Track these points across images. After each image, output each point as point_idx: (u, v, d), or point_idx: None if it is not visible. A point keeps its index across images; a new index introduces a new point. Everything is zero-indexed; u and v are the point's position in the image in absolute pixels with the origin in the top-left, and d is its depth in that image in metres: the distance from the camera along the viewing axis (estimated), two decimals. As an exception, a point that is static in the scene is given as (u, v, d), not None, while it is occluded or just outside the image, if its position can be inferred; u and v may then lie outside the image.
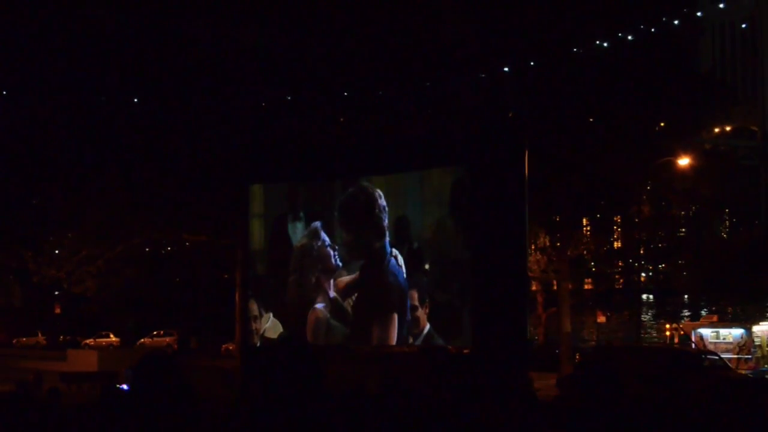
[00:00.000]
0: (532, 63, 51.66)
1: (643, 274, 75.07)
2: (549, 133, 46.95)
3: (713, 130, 75.71)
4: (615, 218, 63.34)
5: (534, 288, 57.62)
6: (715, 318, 59.92)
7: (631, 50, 52.34)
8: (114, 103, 57.92)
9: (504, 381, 24.38)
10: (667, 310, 74.19)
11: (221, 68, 56.47)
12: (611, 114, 49.79)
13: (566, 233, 54.56)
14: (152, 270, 71.91)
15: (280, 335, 35.37)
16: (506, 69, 51.95)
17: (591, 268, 68.64)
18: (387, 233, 33.01)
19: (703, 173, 56.89)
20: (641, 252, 69.51)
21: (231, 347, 61.58)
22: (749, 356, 52.40)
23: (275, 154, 42.45)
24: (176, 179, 55.47)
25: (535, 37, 51.17)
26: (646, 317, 74.98)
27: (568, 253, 54.81)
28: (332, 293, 34.16)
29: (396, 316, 32.71)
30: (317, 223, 34.70)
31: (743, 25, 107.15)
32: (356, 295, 33.78)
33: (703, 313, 68.71)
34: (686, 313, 74.39)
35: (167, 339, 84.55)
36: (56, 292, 77.62)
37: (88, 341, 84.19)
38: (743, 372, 45.41)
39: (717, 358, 41.33)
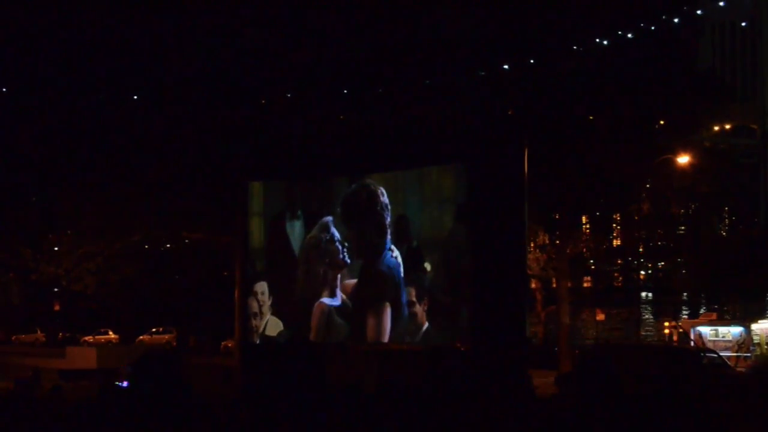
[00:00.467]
0: (532, 61, 51.69)
1: (643, 272, 75.19)
2: (549, 130, 46.94)
3: (713, 128, 75.70)
4: (614, 216, 63.34)
5: (533, 286, 57.59)
6: (714, 316, 59.92)
7: (631, 48, 52.38)
8: (114, 100, 57.94)
9: (503, 379, 24.37)
10: (666, 308, 74.15)
11: (221, 66, 56.49)
12: (611, 112, 49.79)
13: (566, 231, 54.56)
14: (151, 267, 71.85)
15: (281, 334, 35.39)
16: (506, 67, 51.98)
17: (590, 266, 68.69)
18: (389, 231, 33.00)
19: (702, 171, 56.91)
20: (640, 250, 69.61)
21: (230, 345, 61.60)
22: (748, 354, 52.40)
23: (275, 151, 42.47)
24: (176, 177, 55.50)
25: (535, 36, 51.20)
26: (645, 315, 74.99)
27: (568, 251, 54.81)
28: (340, 295, 34.16)
29: (389, 307, 32.70)
30: (328, 218, 34.66)
31: (743, 24, 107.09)
32: (355, 291, 33.82)
33: (702, 310, 68.73)
34: (685, 311, 74.39)
35: (166, 336, 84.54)
36: (55, 290, 77.63)
37: (86, 338, 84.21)
38: (742, 370, 45.42)
39: (716, 356, 41.32)
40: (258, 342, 36.23)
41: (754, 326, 54.38)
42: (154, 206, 56.36)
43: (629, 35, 55.20)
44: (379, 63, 54.53)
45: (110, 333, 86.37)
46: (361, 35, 54.94)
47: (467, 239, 31.24)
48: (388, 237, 33.11)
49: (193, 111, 55.81)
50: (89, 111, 59.09)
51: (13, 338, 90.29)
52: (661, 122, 54.21)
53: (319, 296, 34.74)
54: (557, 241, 55.43)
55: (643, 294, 76.03)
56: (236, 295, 38.33)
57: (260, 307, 36.53)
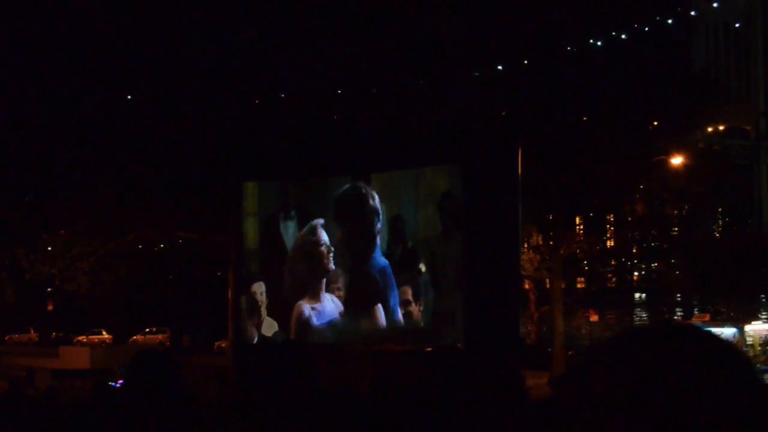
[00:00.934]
0: (525, 62, 51.71)
1: (636, 273, 75.10)
2: (542, 131, 46.95)
3: (707, 130, 75.71)
4: (608, 217, 63.33)
5: (527, 286, 57.61)
6: (707, 317, 59.93)
7: (624, 49, 52.40)
8: (107, 99, 57.86)
9: (496, 379, 24.39)
10: (660, 309, 74.15)
11: (214, 65, 56.42)
12: (605, 113, 49.80)
13: (559, 232, 54.58)
14: (145, 267, 71.79)
15: (276, 334, 35.41)
16: (500, 67, 51.99)
17: (584, 267, 68.69)
18: (377, 236, 33.02)
19: (696, 172, 56.84)
20: (634, 251, 69.56)
21: (223, 345, 61.58)
22: (741, 355, 52.44)
23: (269, 151, 42.46)
24: (170, 176, 55.39)
25: (528, 36, 51.22)
26: (638, 316, 75.00)
27: (561, 252, 54.85)
28: (326, 297, 34.15)
29: (379, 310, 32.75)
30: (318, 221, 34.64)
31: (737, 25, 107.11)
32: (344, 294, 33.86)
33: (696, 311, 68.72)
34: (679, 311, 74.37)
35: (159, 336, 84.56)
36: (49, 289, 77.60)
37: (80, 338, 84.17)
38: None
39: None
40: (255, 342, 36.26)
41: (747, 327, 54.46)
42: (149, 206, 56.20)
43: (623, 36, 55.23)
44: (374, 63, 54.51)
45: (104, 333, 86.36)
46: (355, 35, 54.91)
47: (461, 240, 31.29)
48: (377, 242, 33.15)
49: (187, 110, 55.71)
50: (82, 110, 59.00)
51: (7, 338, 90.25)
52: (655, 123, 54.22)
53: (301, 299, 34.80)
54: (551, 242, 55.44)
55: (637, 295, 75.91)
56: (230, 295, 38.34)
57: (259, 307, 36.56)
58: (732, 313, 61.89)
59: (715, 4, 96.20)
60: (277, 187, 37.08)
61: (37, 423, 10.99)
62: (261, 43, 56.66)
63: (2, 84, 57.77)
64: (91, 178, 57.92)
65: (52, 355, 62.75)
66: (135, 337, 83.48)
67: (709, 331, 2.41)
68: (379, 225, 33.09)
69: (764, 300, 70.89)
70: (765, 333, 55.92)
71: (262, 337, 35.87)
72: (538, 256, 56.33)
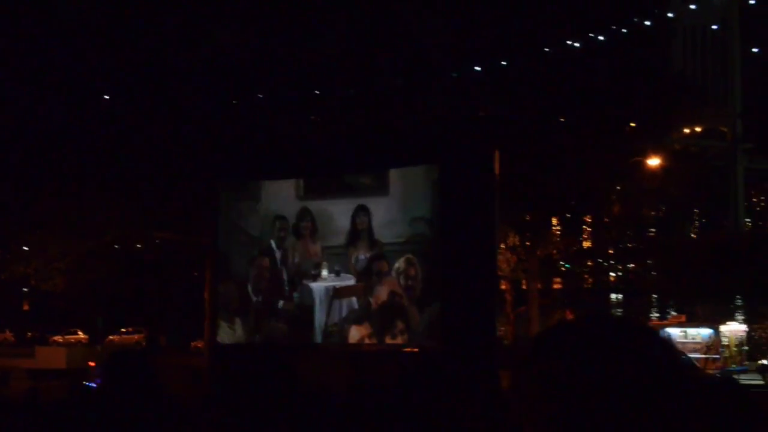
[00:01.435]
0: (503, 63, 51.80)
1: (613, 274, 75.36)
2: (520, 132, 47.03)
3: (684, 131, 76.03)
4: (585, 218, 63.51)
5: (503, 287, 57.71)
6: (683, 318, 60.19)
7: (602, 50, 52.56)
8: (84, 99, 57.67)
9: (472, 380, 24.40)
10: (636, 310, 74.36)
11: (192, 65, 56.30)
12: (582, 114, 49.93)
13: (536, 233, 54.71)
14: (121, 267, 71.58)
15: (251, 335, 35.33)
16: (478, 68, 52.07)
17: (561, 268, 68.86)
18: (351, 239, 33.02)
19: (673, 174, 57.10)
20: (611, 252, 69.78)
21: (200, 345, 61.47)
22: (717, 356, 52.71)
23: (245, 153, 42.36)
24: (147, 176, 55.27)
25: (506, 37, 51.30)
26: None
27: (538, 253, 54.99)
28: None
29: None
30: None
31: (714, 27, 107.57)
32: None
33: (673, 313, 69.01)
34: (655, 312, 74.63)
35: (136, 336, 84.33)
36: (24, 289, 77.26)
37: (56, 338, 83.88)
38: (711, 372, 45.67)
39: (685, 357, 41.48)
40: (231, 342, 36.16)
41: (722, 328, 54.73)
42: (125, 206, 56.05)
43: (601, 37, 55.40)
44: (351, 64, 54.49)
45: (79, 333, 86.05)
46: (332, 37, 54.87)
47: (438, 240, 31.29)
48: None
49: (165, 111, 55.62)
50: (59, 109, 58.75)
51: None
52: (632, 124, 54.39)
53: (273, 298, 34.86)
54: (528, 243, 55.57)
55: (613, 295, 76.19)
56: (206, 295, 38.25)
57: (235, 307, 36.46)
58: (708, 314, 62.18)
59: (692, 6, 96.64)
60: (252, 189, 36.97)
61: (15, 423, 10.96)
62: (239, 44, 56.56)
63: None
64: (68, 178, 57.72)
65: (28, 355, 62.47)
66: (111, 337, 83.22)
67: (635, 319, 2.47)
68: (349, 227, 33.07)
69: (740, 301, 71.20)
70: (740, 334, 56.28)
71: (237, 337, 35.78)
72: (514, 257, 56.47)
